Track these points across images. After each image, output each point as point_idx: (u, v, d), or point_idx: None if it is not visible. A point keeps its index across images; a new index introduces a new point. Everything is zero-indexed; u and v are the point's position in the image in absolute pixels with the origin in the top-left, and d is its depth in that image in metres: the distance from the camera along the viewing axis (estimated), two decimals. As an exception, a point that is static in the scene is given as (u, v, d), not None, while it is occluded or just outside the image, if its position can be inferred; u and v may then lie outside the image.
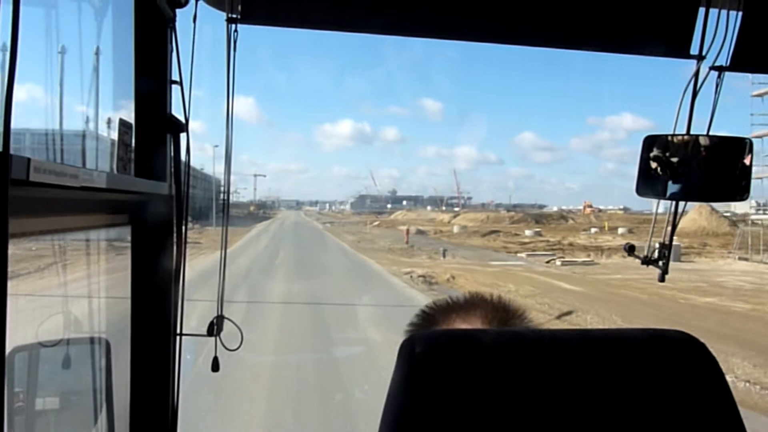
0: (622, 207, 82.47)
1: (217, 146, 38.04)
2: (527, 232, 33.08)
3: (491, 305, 0.72)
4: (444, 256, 19.72)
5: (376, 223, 57.96)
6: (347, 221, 66.44)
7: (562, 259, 17.60)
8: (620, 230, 35.23)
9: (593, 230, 36.92)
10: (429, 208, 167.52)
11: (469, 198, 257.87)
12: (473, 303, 0.73)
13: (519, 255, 20.99)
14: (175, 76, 1.17)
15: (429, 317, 0.73)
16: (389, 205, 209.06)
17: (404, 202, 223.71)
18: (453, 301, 0.74)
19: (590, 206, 79.46)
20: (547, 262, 17.94)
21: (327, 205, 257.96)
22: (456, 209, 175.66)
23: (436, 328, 0.70)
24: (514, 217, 58.03)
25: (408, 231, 25.69)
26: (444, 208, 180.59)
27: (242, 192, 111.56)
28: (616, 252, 22.23)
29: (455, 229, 39.19)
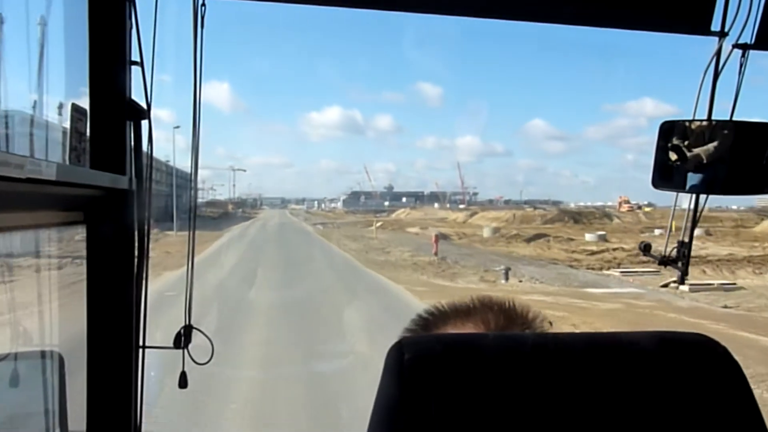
0: (646, 202, 77.89)
1: (177, 127, 32.41)
2: (588, 237, 27.82)
3: (495, 309, 0.70)
4: (507, 277, 14.07)
5: (378, 224, 53.45)
6: (342, 222, 63.79)
7: (689, 283, 11.95)
8: (696, 231, 29.45)
9: (657, 231, 31.51)
10: (436, 205, 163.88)
11: (475, 194, 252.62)
12: (474, 307, 0.71)
13: (608, 273, 15.70)
14: (135, 57, 1.13)
15: (424, 323, 0.71)
16: (386, 203, 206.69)
17: (404, 199, 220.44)
18: (452, 305, 0.72)
19: (627, 201, 74.61)
20: (664, 285, 12.40)
21: (315, 203, 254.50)
22: (461, 206, 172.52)
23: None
24: (546, 215, 52.78)
25: (437, 238, 20.18)
26: (448, 205, 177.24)
27: (219, 189, 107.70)
28: (737, 264, 17.12)
29: (486, 233, 34.20)
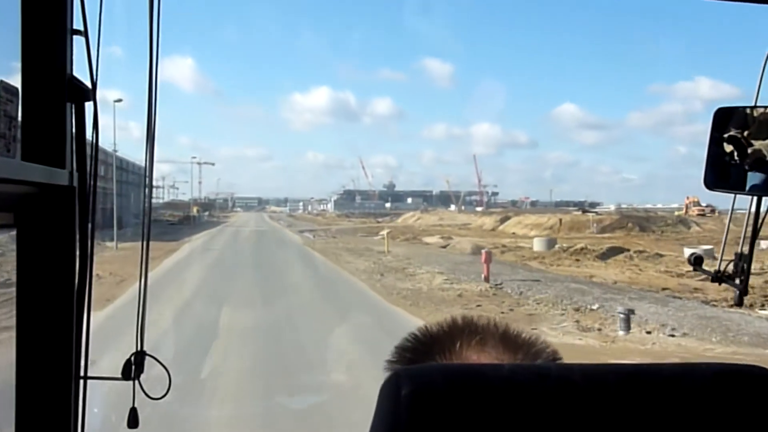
0: (705, 204, 75.06)
1: (119, 101, 29.05)
2: (688, 252, 23.76)
3: (499, 333, 0.71)
4: (627, 326, 10.42)
5: (384, 232, 50.53)
6: (336, 228, 63.04)
7: None
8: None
9: (764, 245, 28.03)
10: (452, 207, 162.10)
11: (495, 193, 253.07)
12: (474, 330, 0.71)
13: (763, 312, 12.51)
14: (78, 24, 1.12)
15: (416, 349, 0.71)
16: (388, 204, 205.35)
17: (409, 200, 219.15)
18: (448, 327, 0.73)
19: (697, 203, 71.46)
20: None
21: (300, 204, 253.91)
22: (478, 209, 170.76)
23: (427, 362, 0.69)
24: (603, 221, 49.22)
25: (488, 256, 16.36)
26: (462, 207, 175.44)
27: (181, 187, 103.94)
28: None
29: (537, 245, 31.06)
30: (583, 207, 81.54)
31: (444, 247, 35.51)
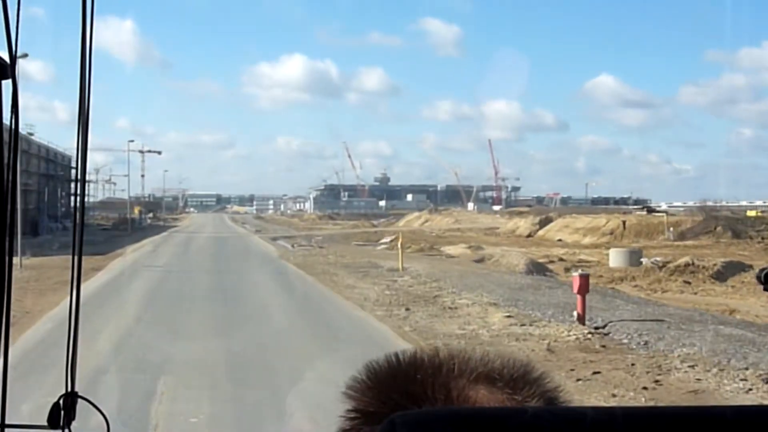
0: None
1: (25, 55, 24.55)
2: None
3: (501, 366, 0.71)
4: None
5: (387, 239, 47.92)
6: (322, 233, 59.08)
7: None
8: None
9: None
10: (471, 206, 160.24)
11: (516, 188, 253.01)
12: (466, 362, 0.71)
13: None
14: None
15: (408, 390, 0.69)
16: (382, 202, 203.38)
17: (409, 196, 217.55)
18: (429, 358, 0.73)
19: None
20: None
21: (271, 203, 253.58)
22: (496, 208, 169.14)
23: (426, 406, 0.68)
24: (681, 223, 45.75)
25: (584, 283, 12.24)
26: (475, 206, 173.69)
27: (120, 182, 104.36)
28: None
29: (614, 260, 27.94)
30: (647, 205, 77.93)
31: (479, 261, 32.16)
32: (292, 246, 45.26)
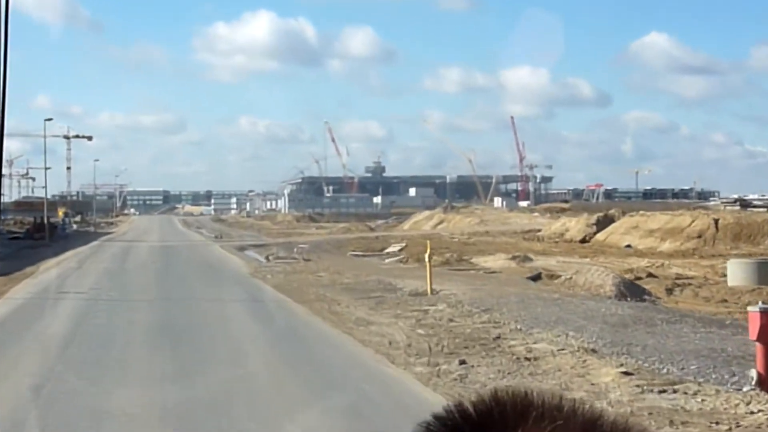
0: None
1: None
2: None
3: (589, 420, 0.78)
4: None
5: (394, 249, 46.80)
6: (304, 240, 56.77)
7: None
8: None
9: None
10: (499, 202, 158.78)
11: (547, 178, 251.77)
12: (540, 412, 0.81)
13: None
14: None
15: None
16: (377, 198, 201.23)
17: (412, 191, 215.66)
18: (497, 404, 0.83)
19: None
20: None
21: (233, 201, 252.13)
22: (524, 204, 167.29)
23: None
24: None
25: (766, 327, 8.63)
26: (504, 202, 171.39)
27: (39, 176, 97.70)
28: None
29: (735, 276, 26.34)
30: (741, 198, 75.01)
31: (535, 279, 29.49)
32: (267, 259, 43.73)
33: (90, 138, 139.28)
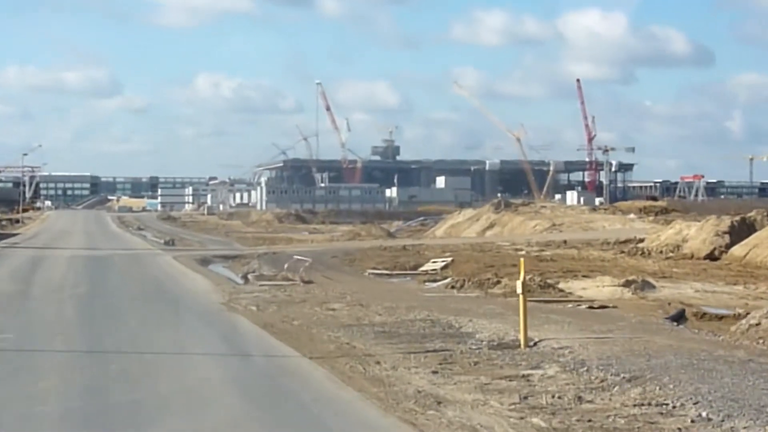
0: None
1: None
2: None
3: None
4: None
5: (434, 267, 49.97)
6: (291, 248, 54.45)
7: None
8: None
9: None
10: (574, 197, 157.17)
11: (627, 166, 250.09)
12: None
13: None
14: None
15: None
16: (390, 191, 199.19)
17: (440, 180, 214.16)
18: None
19: None
20: None
21: (188, 193, 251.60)
22: (599, 202, 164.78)
23: None
24: None
25: None
26: (575, 196, 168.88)
27: None
28: None
29: None
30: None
31: (677, 319, 28.87)
32: (246, 279, 42.10)
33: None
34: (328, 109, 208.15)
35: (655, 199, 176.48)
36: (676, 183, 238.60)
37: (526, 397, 16.95)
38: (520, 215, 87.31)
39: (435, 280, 41.58)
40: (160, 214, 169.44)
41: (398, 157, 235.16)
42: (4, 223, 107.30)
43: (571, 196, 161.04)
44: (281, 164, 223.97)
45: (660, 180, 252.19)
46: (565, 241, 63.46)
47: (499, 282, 37.42)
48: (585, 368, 19.36)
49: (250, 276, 41.58)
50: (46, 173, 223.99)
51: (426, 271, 45.97)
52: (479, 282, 37.31)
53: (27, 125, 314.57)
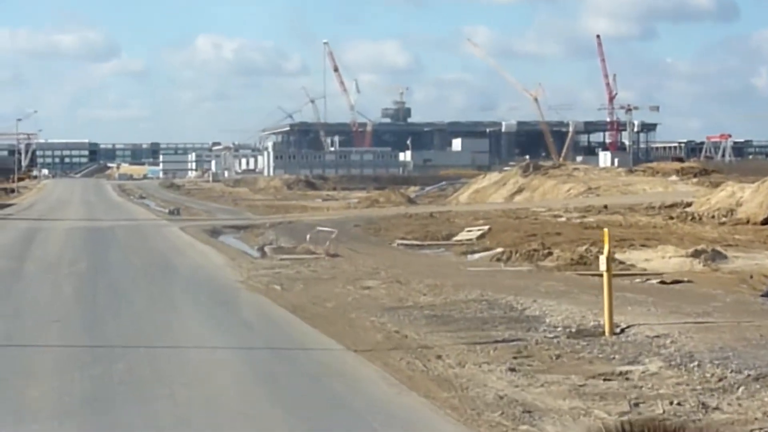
0: None
1: None
2: None
3: None
4: None
5: (469, 236, 46.59)
6: (307, 216, 55.25)
7: None
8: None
9: None
10: (606, 158, 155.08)
11: (650, 126, 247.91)
12: None
13: None
14: None
15: None
16: (405, 155, 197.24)
17: (456, 143, 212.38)
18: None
19: None
20: None
21: (191, 159, 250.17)
22: (618, 165, 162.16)
23: None
24: None
25: None
26: (608, 157, 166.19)
27: None
28: None
29: None
30: None
31: None
32: (262, 251, 40.02)
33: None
34: (335, 70, 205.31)
35: (681, 160, 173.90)
36: (702, 143, 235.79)
37: (636, 404, 14.53)
38: (552, 179, 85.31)
39: (474, 251, 39.76)
40: (162, 181, 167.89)
41: (409, 120, 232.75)
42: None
43: (604, 158, 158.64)
44: (287, 128, 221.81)
45: (684, 140, 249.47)
46: (605, 206, 61.54)
47: (550, 253, 35.54)
48: (695, 363, 16.78)
49: (267, 249, 39.64)
50: (42, 141, 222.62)
51: (461, 241, 43.92)
52: (528, 253, 35.26)
53: (21, 91, 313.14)
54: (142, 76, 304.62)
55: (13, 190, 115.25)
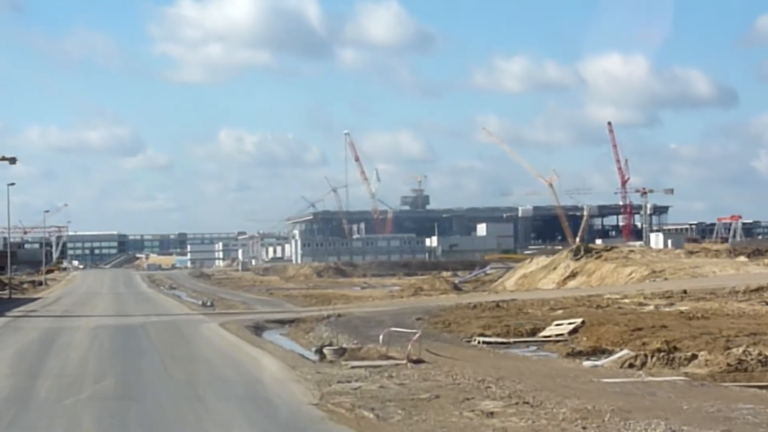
0: None
1: None
2: None
3: None
4: None
5: (557, 330, 40.99)
6: (351, 307, 51.78)
7: None
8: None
9: None
10: (659, 239, 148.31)
11: (663, 209, 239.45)
12: None
13: None
14: None
15: None
16: (431, 239, 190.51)
17: (481, 228, 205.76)
18: None
19: None
20: None
21: (218, 248, 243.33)
22: (636, 244, 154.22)
23: None
24: None
25: None
26: (668, 240, 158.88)
27: None
28: None
29: None
30: None
31: None
32: (321, 354, 32.31)
33: (12, 160, 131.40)
34: (357, 159, 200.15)
35: (696, 240, 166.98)
36: (712, 224, 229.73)
37: None
38: (608, 262, 78.76)
39: (581, 353, 31.69)
40: (191, 271, 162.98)
41: (428, 207, 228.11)
42: (25, 286, 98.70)
43: (656, 239, 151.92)
44: (311, 217, 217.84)
45: (695, 222, 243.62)
46: (685, 291, 54.63)
47: (694, 356, 27.47)
48: None
49: (326, 351, 31.32)
50: (72, 233, 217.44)
51: (549, 336, 36.73)
52: (664, 357, 27.35)
53: (51, 186, 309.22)
54: (167, 169, 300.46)
55: (41, 283, 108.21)
